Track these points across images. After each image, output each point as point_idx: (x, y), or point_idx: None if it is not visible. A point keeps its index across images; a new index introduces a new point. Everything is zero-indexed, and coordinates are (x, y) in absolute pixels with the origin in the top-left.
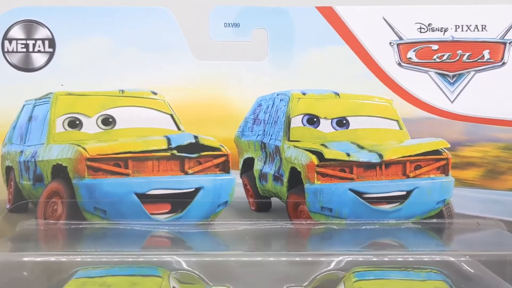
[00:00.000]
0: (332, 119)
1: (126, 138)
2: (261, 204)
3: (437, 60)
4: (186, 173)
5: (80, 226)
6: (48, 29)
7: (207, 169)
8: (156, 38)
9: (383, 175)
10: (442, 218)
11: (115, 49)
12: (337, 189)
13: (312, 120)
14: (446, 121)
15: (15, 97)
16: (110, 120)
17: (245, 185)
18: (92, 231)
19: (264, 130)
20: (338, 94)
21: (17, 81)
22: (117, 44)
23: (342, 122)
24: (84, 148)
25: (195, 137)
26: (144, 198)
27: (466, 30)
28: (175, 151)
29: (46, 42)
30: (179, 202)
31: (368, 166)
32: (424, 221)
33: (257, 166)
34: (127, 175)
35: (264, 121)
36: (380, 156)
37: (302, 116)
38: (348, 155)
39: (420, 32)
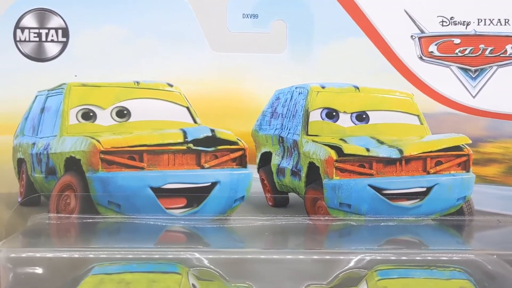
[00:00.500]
0: (351, 113)
1: (141, 130)
2: (279, 200)
3: (459, 54)
4: (202, 167)
5: (94, 220)
6: (62, 18)
7: (224, 163)
8: (172, 29)
9: (403, 171)
10: (462, 215)
11: (130, 39)
12: (356, 185)
13: (331, 114)
14: (467, 116)
15: (27, 87)
16: (125, 112)
17: (262, 180)
18: (106, 225)
19: (282, 124)
20: (358, 88)
21: (29, 71)
22: (132, 34)
23: (361, 117)
24: (98, 141)
25: (212, 130)
26: (159, 192)
27: (489, 24)
28: (191, 145)
29: (60, 31)
30: (195, 196)
31: (388, 162)
32: (444, 217)
33: (275, 160)
34: (142, 168)
35: (282, 115)
36: (400, 151)
37: (321, 110)
38: (368, 150)
39: (442, 25)
